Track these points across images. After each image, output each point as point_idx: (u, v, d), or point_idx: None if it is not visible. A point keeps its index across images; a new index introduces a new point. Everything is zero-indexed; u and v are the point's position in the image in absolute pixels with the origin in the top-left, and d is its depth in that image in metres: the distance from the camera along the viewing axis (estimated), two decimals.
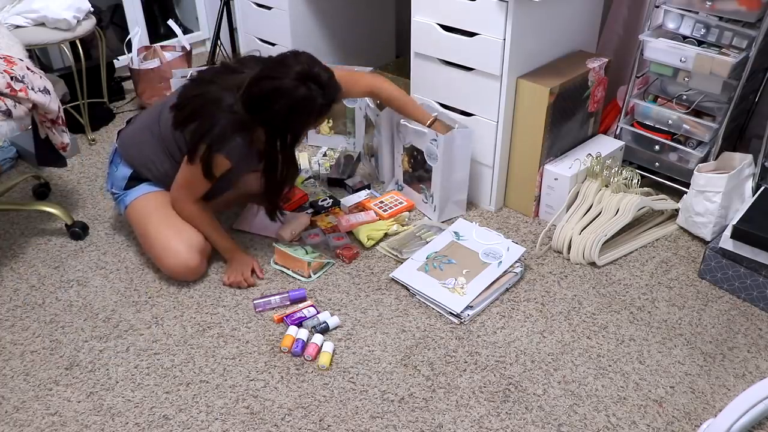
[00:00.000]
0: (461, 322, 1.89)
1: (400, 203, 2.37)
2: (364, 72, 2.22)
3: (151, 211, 2.03)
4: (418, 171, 2.33)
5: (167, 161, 2.02)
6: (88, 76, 2.75)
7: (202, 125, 1.87)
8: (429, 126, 2.18)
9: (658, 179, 2.39)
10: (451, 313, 1.90)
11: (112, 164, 2.13)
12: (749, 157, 2.15)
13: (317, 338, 1.81)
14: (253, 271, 2.06)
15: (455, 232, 2.19)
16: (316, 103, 1.81)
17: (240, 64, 1.94)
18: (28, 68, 1.98)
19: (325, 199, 2.39)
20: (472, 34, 2.13)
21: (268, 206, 2.05)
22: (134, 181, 2.07)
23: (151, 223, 2.01)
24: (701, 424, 1.57)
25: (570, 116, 2.28)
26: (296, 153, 2.00)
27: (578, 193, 2.24)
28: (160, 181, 2.06)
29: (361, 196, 2.40)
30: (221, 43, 3.19)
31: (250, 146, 1.90)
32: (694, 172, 2.13)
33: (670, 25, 2.16)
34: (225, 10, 3.06)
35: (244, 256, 2.09)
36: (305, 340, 1.81)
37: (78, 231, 2.25)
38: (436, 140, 2.16)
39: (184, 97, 1.95)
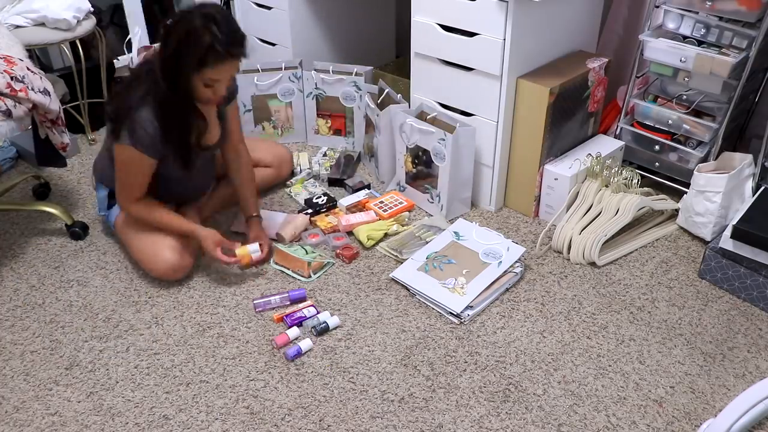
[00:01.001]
0: (461, 322, 1.89)
1: (400, 203, 2.37)
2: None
3: (129, 224, 2.08)
4: (421, 171, 2.33)
5: None
6: (88, 76, 2.75)
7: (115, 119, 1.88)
8: (247, 220, 2.16)
9: (658, 179, 2.39)
10: (451, 313, 1.90)
11: (96, 190, 2.20)
12: (749, 157, 2.15)
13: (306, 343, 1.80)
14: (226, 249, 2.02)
15: (455, 232, 2.19)
16: (206, 40, 1.72)
17: None
18: (28, 68, 1.98)
19: (320, 197, 2.39)
20: (472, 34, 2.13)
21: (180, 163, 1.94)
22: (113, 199, 2.12)
23: (131, 237, 2.07)
24: (701, 424, 1.57)
25: (570, 116, 2.28)
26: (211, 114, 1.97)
27: (578, 193, 2.24)
28: None
29: (361, 196, 2.40)
30: None
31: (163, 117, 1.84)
32: (694, 172, 2.13)
33: (670, 25, 2.16)
34: None
35: (206, 232, 2.02)
36: (301, 348, 1.79)
37: (78, 231, 2.25)
38: (444, 139, 2.16)
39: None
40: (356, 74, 2.62)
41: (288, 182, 2.53)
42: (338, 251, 2.15)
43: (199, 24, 1.72)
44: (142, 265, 2.06)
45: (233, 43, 1.77)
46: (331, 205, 2.37)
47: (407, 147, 2.32)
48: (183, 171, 1.97)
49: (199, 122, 1.93)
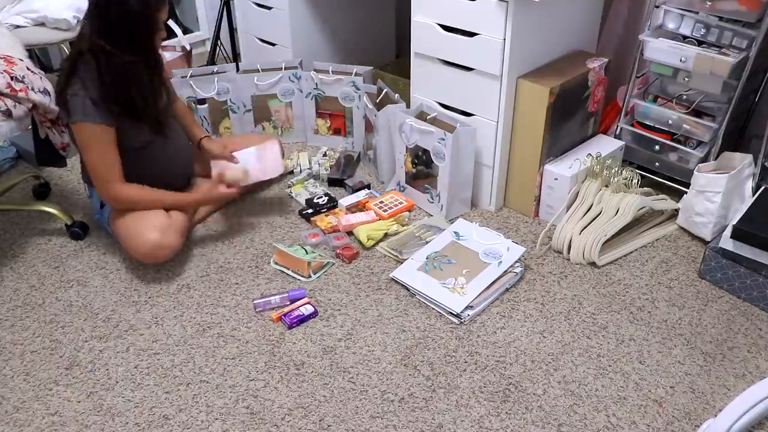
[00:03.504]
0: (461, 322, 1.89)
1: (400, 203, 2.37)
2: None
3: (119, 214, 2.06)
4: (421, 171, 2.33)
5: None
6: None
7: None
8: (200, 144, 2.28)
9: (658, 179, 2.39)
10: (451, 313, 1.90)
11: (90, 197, 2.20)
12: (749, 157, 2.15)
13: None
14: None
15: (455, 232, 2.19)
16: None
17: None
18: (28, 68, 1.98)
19: (321, 197, 2.39)
20: (472, 34, 2.13)
21: (153, 124, 2.03)
22: None
23: (119, 224, 2.05)
24: (701, 424, 1.57)
25: (570, 116, 2.28)
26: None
27: (578, 193, 2.24)
28: None
29: (361, 196, 2.40)
30: (221, 43, 3.19)
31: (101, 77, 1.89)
32: (694, 172, 2.13)
33: (670, 25, 2.16)
34: (225, 10, 3.06)
35: (203, 189, 2.22)
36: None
37: (78, 231, 2.25)
38: (444, 139, 2.16)
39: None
40: (356, 74, 2.62)
41: (289, 182, 2.53)
42: (338, 251, 2.15)
43: None
44: (127, 248, 2.05)
45: None
46: (332, 205, 2.37)
47: (407, 147, 2.32)
48: (156, 136, 2.04)
49: (160, 78, 2.03)
